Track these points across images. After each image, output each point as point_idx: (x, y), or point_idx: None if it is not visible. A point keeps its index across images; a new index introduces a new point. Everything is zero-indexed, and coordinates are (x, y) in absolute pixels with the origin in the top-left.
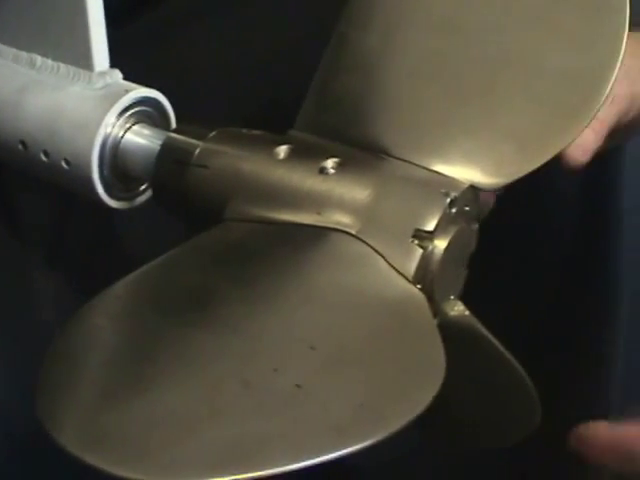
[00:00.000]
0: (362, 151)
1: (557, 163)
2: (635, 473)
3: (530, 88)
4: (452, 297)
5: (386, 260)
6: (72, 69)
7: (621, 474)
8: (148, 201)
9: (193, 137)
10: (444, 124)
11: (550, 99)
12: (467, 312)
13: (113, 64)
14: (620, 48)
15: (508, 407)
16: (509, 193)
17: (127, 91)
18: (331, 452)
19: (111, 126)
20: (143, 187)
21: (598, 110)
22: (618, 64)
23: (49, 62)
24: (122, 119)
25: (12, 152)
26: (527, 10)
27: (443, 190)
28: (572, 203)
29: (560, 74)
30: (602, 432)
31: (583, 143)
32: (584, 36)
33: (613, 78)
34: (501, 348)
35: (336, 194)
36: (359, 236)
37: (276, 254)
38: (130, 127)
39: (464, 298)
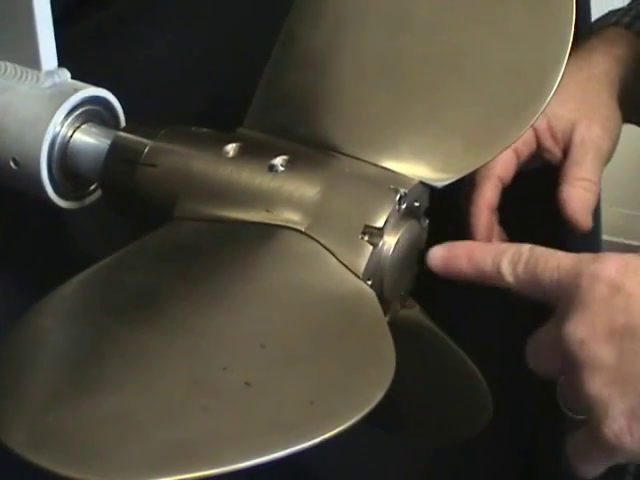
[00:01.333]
0: (311, 148)
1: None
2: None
3: (477, 85)
4: (403, 293)
5: (336, 257)
6: (20, 68)
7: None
8: (98, 200)
9: (142, 136)
10: (392, 121)
11: (497, 95)
12: (418, 308)
13: (61, 63)
14: (567, 45)
15: (460, 403)
16: None
17: (76, 90)
18: (281, 450)
19: (60, 125)
20: (93, 186)
21: (545, 106)
22: (565, 60)
23: None
24: (71, 118)
25: None
26: (474, 7)
27: (392, 186)
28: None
29: (507, 71)
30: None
31: (589, 207)
32: (531, 33)
33: (560, 73)
34: (452, 344)
35: (285, 191)
36: (309, 233)
37: (226, 252)
38: (79, 126)
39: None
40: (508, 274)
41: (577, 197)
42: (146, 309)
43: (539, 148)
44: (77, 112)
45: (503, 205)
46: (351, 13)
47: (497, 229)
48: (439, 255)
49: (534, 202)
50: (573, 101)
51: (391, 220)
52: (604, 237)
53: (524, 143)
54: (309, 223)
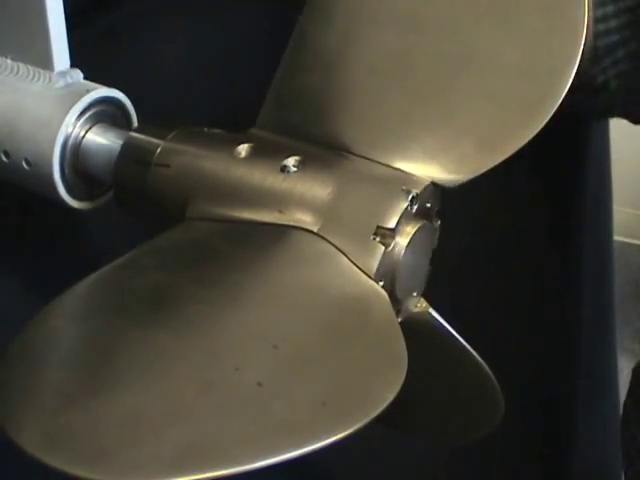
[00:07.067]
0: (323, 149)
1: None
2: None
3: (489, 85)
4: (415, 294)
5: (348, 257)
6: (32, 69)
7: None
8: (110, 201)
9: (154, 136)
10: (405, 121)
11: (509, 96)
12: (430, 309)
13: (74, 64)
14: (579, 44)
15: (471, 404)
16: None
17: (88, 91)
18: (293, 450)
19: (72, 126)
20: (105, 187)
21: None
22: (577, 60)
23: (8, 62)
24: (83, 119)
25: None
26: (486, 6)
27: (404, 187)
28: None
29: (519, 70)
30: None
31: None
32: (543, 32)
33: (572, 74)
34: (465, 345)
35: (297, 192)
36: (321, 234)
37: (237, 253)
38: (91, 127)
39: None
40: None
41: None
42: (158, 309)
43: None
44: (89, 113)
45: (512, 204)
46: (363, 13)
47: None
48: None
49: (544, 200)
50: None
51: (403, 221)
52: (615, 238)
53: None
54: (321, 224)
